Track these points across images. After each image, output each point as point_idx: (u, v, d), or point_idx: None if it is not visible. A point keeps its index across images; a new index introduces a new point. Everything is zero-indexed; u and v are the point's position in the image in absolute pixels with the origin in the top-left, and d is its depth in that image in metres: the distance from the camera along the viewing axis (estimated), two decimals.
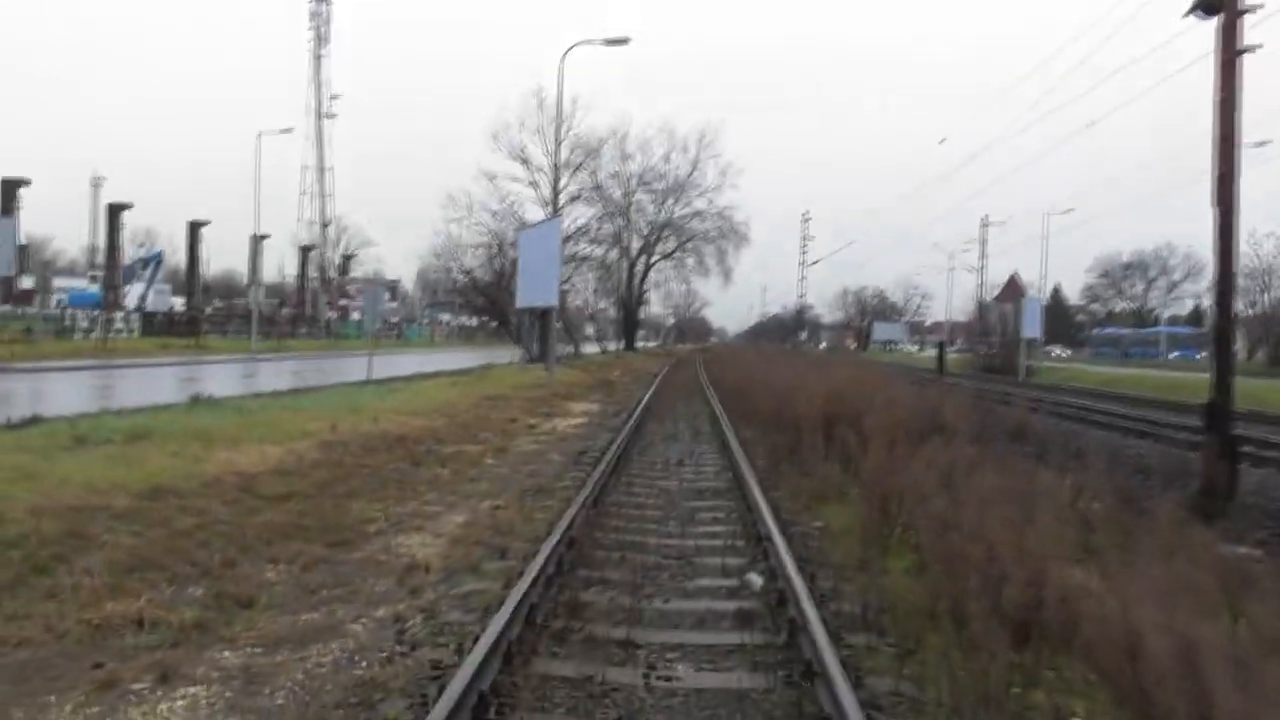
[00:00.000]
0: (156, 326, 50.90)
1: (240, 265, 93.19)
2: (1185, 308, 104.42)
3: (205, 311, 66.75)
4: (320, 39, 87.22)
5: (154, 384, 22.13)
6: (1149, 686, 3.78)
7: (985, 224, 64.03)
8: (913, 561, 6.83)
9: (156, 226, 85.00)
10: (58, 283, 66.85)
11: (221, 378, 26.60)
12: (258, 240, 75.76)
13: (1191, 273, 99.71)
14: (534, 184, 38.66)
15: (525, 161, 39.13)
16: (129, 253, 73.09)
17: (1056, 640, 4.67)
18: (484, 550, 6.72)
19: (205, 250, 71.94)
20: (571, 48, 29.23)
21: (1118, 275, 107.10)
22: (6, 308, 49.88)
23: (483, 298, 39.47)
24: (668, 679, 4.48)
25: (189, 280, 69.01)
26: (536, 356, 32.81)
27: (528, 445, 13.47)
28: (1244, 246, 57.13)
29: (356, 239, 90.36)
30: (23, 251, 61.40)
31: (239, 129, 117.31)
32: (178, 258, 78.49)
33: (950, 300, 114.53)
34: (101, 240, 70.14)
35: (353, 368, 31.22)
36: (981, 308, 65.19)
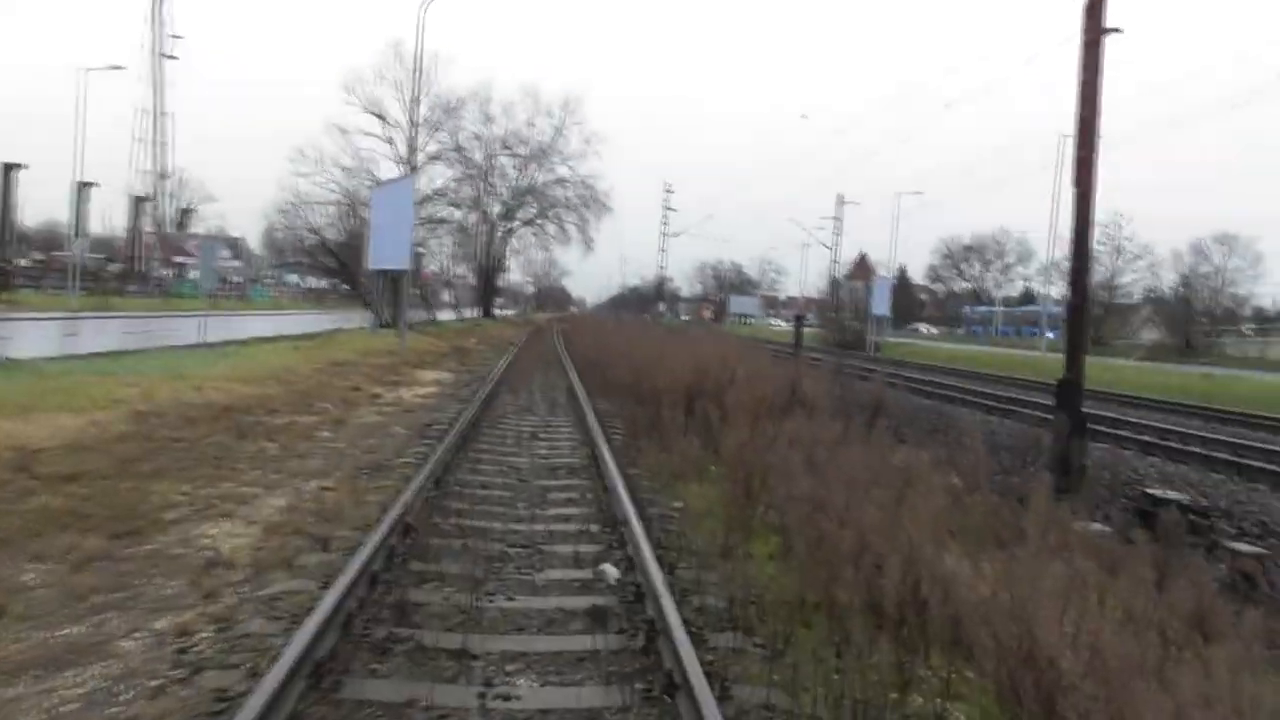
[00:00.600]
0: None
1: (64, 216, 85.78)
2: (1017, 289, 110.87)
3: (19, 264, 60.97)
4: None
5: None
6: (1050, 690, 3.40)
7: (841, 202, 65.53)
8: (778, 545, 6.42)
9: None
10: None
11: (31, 337, 24.01)
12: (82, 187, 69.86)
13: (1022, 257, 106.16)
14: (390, 140, 36.78)
15: (381, 117, 37.16)
16: None
17: (938, 637, 4.29)
18: (303, 541, 5.87)
19: (20, 196, 65.49)
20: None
21: (959, 257, 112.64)
22: None
23: (332, 259, 37.35)
24: (507, 698, 3.84)
25: (2, 228, 62.71)
26: (388, 322, 31.27)
27: (370, 417, 12.48)
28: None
29: (198, 194, 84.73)
30: None
31: (67, 66, 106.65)
32: None
33: (805, 276, 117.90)
34: None
35: (185, 329, 28.96)
36: (834, 285, 66.95)
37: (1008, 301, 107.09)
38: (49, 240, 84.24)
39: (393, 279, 29.52)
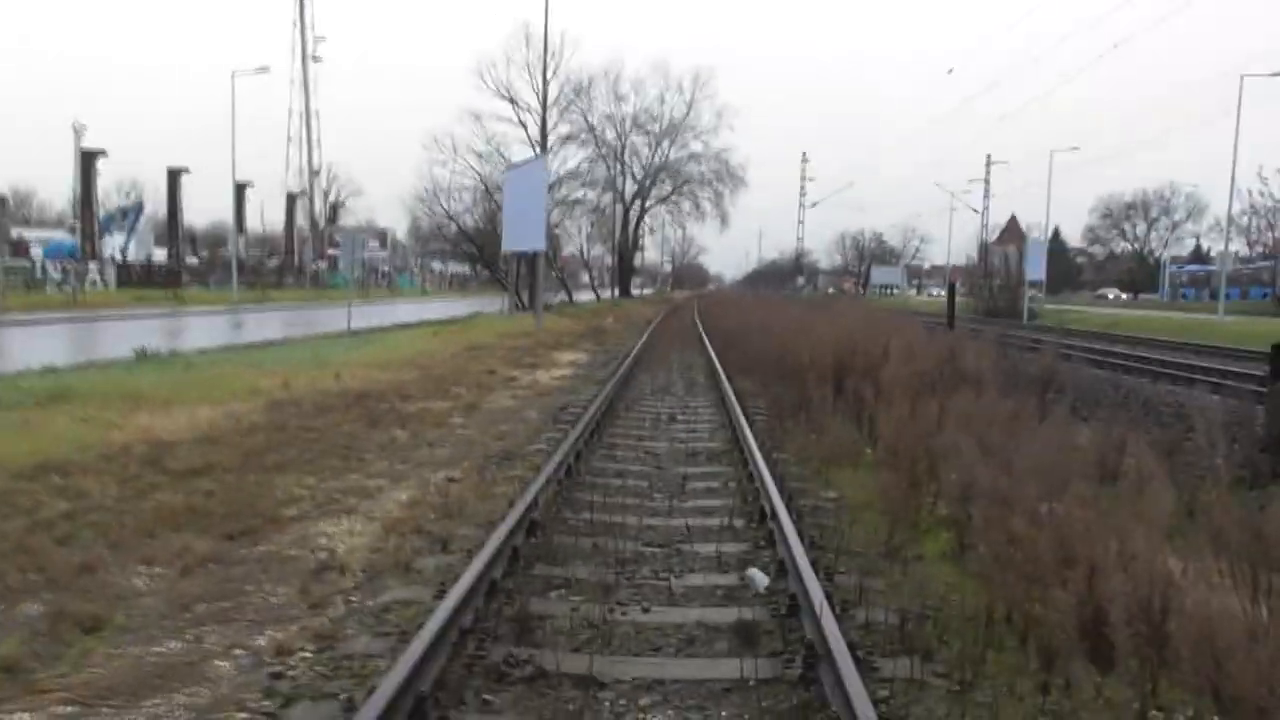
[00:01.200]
0: (133, 278, 49.25)
1: (228, 216, 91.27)
2: (1186, 248, 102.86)
3: (187, 262, 64.99)
4: None
5: (113, 338, 20.72)
6: None
7: (990, 163, 62.03)
8: (950, 543, 5.57)
9: (145, 178, 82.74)
10: (38, 234, 65.09)
11: (192, 330, 25.22)
12: (240, 187, 73.85)
13: (1193, 213, 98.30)
14: (522, 124, 36.89)
15: (512, 100, 37.33)
16: (115, 203, 71.11)
17: (1186, 681, 3.37)
18: (422, 540, 5.43)
19: (187, 199, 69.80)
20: None
21: (1120, 216, 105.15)
22: None
23: (470, 244, 37.85)
24: None
25: (170, 230, 66.98)
26: (526, 304, 31.39)
27: (504, 401, 12.16)
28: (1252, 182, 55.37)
29: (347, 187, 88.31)
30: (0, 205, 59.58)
31: (225, 76, 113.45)
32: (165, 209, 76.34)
33: (951, 243, 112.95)
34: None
35: (334, 319, 29.86)
36: (984, 250, 63.61)
37: (1176, 261, 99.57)
38: (217, 239, 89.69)
39: (528, 261, 29.51)
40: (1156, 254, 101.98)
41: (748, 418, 9.70)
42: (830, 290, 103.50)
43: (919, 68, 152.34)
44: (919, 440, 6.90)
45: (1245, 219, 76.53)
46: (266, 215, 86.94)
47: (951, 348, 13.15)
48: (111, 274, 49.13)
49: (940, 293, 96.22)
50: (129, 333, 20.57)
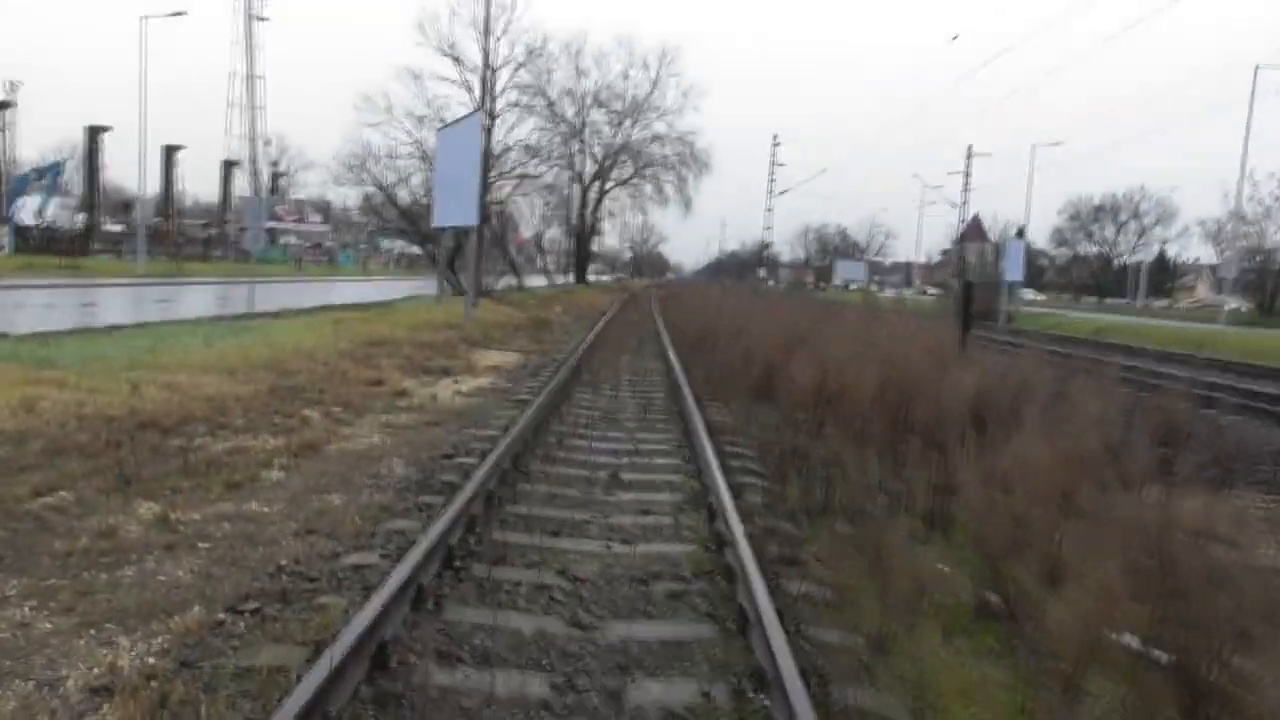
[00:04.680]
0: (32, 244, 44.19)
1: (177, 183, 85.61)
2: (1153, 252, 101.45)
3: (106, 229, 59.75)
4: None
5: None
6: None
7: (970, 155, 58.97)
8: None
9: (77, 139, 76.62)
10: None
11: (48, 309, 20.88)
12: (169, 150, 68.60)
13: (1162, 218, 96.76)
14: (467, 86, 32.64)
15: (457, 60, 32.98)
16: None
17: None
18: None
19: (106, 159, 64.33)
20: None
21: (1088, 218, 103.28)
22: None
23: (404, 218, 33.58)
24: None
25: (88, 192, 61.63)
26: (462, 289, 27.33)
27: (368, 436, 8.26)
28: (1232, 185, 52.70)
29: (298, 160, 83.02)
30: None
31: (164, 35, 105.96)
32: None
33: (920, 238, 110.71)
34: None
35: (240, 298, 25.79)
36: (960, 246, 60.67)
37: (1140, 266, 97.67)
38: (157, 207, 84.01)
39: (461, 238, 25.50)
40: (1124, 258, 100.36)
41: (733, 491, 5.94)
42: (786, 284, 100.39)
43: (893, 58, 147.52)
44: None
45: (1216, 225, 74.55)
46: (210, 183, 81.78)
47: (1005, 368, 9.50)
48: (8, 239, 44.02)
49: (901, 292, 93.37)
50: None
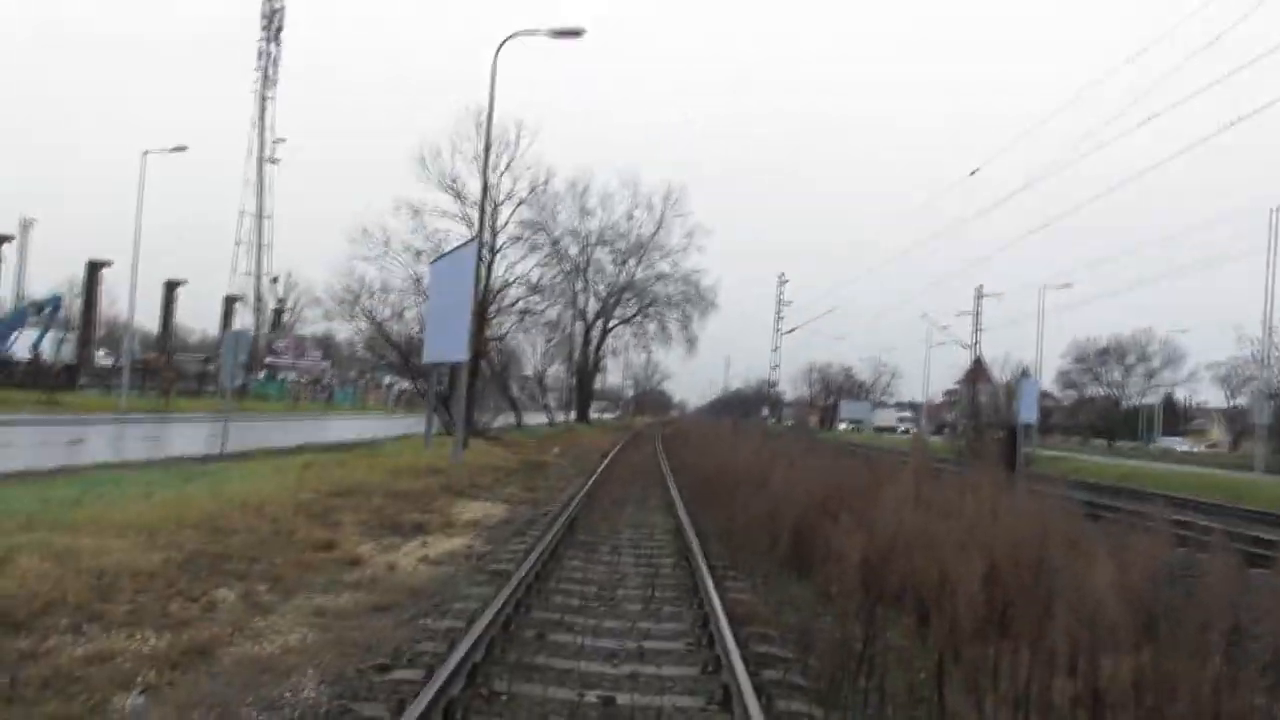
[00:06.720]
0: (17, 378, 42.78)
1: (190, 322, 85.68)
2: (1160, 395, 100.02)
3: (96, 362, 58.54)
4: (267, 80, 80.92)
5: None
6: None
7: (980, 295, 58.16)
8: None
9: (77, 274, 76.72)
10: None
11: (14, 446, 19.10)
12: (170, 286, 68.25)
13: (1170, 360, 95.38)
14: (467, 220, 31.80)
15: (458, 194, 32.30)
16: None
17: None
18: None
19: (112, 294, 63.73)
20: (508, 39, 22.41)
21: (1094, 361, 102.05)
22: None
23: (396, 351, 32.14)
24: None
25: (83, 327, 60.75)
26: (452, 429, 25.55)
27: (286, 631, 6.30)
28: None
29: (307, 296, 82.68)
30: None
31: (187, 179, 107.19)
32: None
33: (929, 376, 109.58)
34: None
35: (215, 437, 24.04)
36: (973, 388, 59.16)
37: (1149, 409, 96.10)
38: (147, 340, 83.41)
39: (455, 374, 23.94)
40: (1132, 400, 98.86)
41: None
42: (789, 423, 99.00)
43: (900, 196, 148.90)
44: None
45: (1224, 369, 73.27)
46: (216, 319, 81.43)
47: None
48: None
49: (908, 429, 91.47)
50: None
